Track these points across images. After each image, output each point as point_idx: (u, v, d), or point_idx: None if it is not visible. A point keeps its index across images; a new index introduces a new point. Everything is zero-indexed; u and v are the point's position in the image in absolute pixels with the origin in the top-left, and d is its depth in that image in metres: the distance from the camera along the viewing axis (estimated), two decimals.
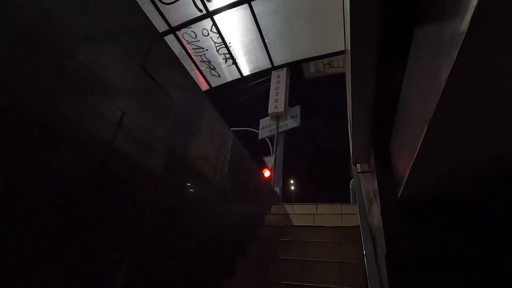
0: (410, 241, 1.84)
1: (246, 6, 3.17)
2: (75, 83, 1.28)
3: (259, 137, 12.26)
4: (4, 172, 0.98)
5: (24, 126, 1.06)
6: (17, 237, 1.02)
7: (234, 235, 2.99)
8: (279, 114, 6.98)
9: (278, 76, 7.13)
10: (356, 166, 2.99)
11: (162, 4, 3.15)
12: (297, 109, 11.43)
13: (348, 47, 1.73)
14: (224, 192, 2.93)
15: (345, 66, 2.63)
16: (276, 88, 7.02)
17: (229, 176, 3.06)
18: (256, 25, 3.39)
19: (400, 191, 1.87)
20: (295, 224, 3.72)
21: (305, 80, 9.92)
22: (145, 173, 1.75)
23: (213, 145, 2.75)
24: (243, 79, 4.21)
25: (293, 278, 2.46)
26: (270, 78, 7.36)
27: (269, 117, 7.91)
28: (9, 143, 1.00)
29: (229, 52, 3.75)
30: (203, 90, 4.22)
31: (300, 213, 4.05)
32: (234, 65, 4.01)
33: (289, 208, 4.33)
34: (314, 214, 3.94)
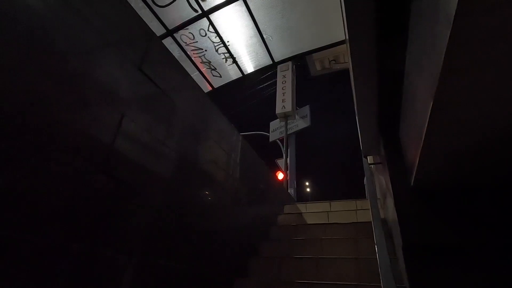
0: (426, 230, 1.74)
1: (241, 2, 3.17)
2: (74, 88, 1.31)
3: (270, 140, 12.22)
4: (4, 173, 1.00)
5: (24, 131, 1.08)
6: (16, 239, 1.03)
7: (247, 237, 2.95)
8: (287, 114, 6.91)
9: (284, 76, 7.07)
10: (366, 158, 2.90)
11: (157, 7, 3.19)
12: (306, 109, 11.32)
13: (347, 35, 1.68)
14: (236, 195, 2.91)
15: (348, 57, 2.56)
16: (282, 88, 6.96)
17: (240, 179, 3.03)
18: (253, 21, 3.36)
19: (412, 179, 1.78)
20: (309, 222, 3.63)
21: (313, 78, 9.81)
22: (153, 177, 1.76)
23: (222, 148, 2.74)
24: (245, 78, 4.18)
25: (307, 276, 2.39)
26: (276, 78, 7.34)
27: (278, 119, 7.87)
28: (10, 146, 1.02)
29: (228, 51, 3.75)
30: (209, 90, 4.28)
31: (314, 212, 3.96)
32: (234, 64, 4.01)
33: (302, 207, 4.25)
34: (328, 211, 3.85)
